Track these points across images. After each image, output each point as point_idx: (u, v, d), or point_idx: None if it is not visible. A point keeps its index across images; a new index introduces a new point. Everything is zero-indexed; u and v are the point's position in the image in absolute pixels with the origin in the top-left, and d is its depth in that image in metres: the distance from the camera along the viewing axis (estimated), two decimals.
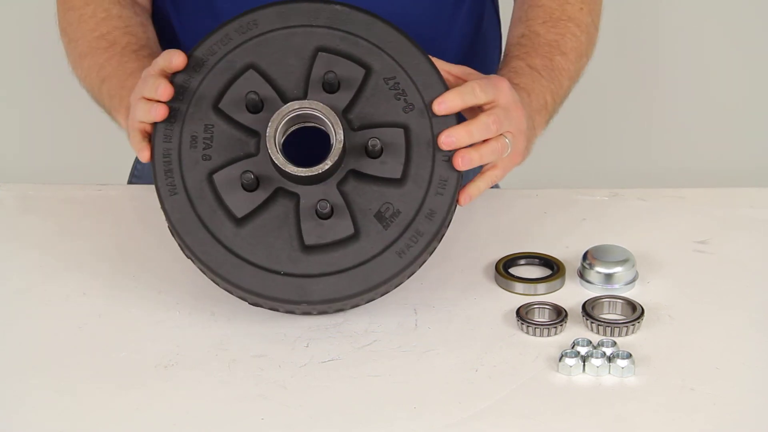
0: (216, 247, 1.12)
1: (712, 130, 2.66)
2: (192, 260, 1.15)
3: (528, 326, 1.14)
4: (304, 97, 1.14)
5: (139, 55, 1.29)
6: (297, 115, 1.12)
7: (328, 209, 1.11)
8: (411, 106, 1.14)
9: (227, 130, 1.14)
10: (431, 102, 1.13)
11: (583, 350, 1.09)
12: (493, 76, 1.18)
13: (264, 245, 1.12)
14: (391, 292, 1.17)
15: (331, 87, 1.14)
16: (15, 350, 1.14)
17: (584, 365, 1.08)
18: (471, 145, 1.13)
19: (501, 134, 1.15)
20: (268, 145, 1.11)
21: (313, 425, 1.03)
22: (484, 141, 1.14)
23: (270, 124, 1.11)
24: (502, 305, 1.19)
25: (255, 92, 1.12)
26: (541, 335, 1.13)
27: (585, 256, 1.22)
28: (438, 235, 1.13)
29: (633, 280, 1.22)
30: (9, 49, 2.61)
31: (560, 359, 1.08)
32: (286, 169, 1.11)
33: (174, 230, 1.14)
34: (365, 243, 1.12)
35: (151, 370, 1.10)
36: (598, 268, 1.21)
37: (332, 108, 1.12)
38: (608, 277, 1.21)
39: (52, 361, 1.11)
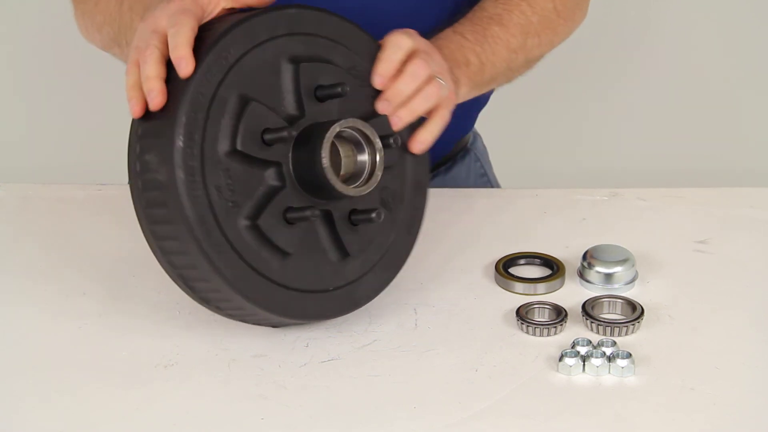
0: (274, 291, 1.09)
1: (711, 130, 2.66)
2: (241, 316, 1.11)
3: (528, 326, 1.14)
4: (302, 113, 1.11)
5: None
6: (341, 136, 1.11)
7: (361, 216, 1.12)
8: (376, 91, 1.15)
9: (244, 170, 1.08)
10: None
11: (583, 350, 1.09)
12: (398, 31, 1.17)
13: (310, 269, 1.11)
14: (391, 292, 1.17)
15: (324, 98, 1.12)
16: (15, 350, 1.14)
17: (584, 365, 1.08)
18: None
19: (432, 77, 1.15)
20: (328, 176, 1.08)
21: (313, 425, 1.03)
22: (417, 91, 1.15)
23: (323, 153, 1.08)
24: (502, 305, 1.19)
25: (268, 127, 1.08)
26: (541, 335, 1.13)
27: (585, 256, 1.22)
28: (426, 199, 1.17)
29: (633, 280, 1.22)
30: (9, 49, 2.61)
31: (560, 359, 1.08)
32: (347, 193, 1.10)
33: (234, 288, 1.07)
34: (384, 232, 1.15)
35: (151, 370, 1.10)
36: (598, 268, 1.21)
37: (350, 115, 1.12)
38: (608, 277, 1.21)
39: (51, 361, 1.11)
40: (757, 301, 1.20)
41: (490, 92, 1.54)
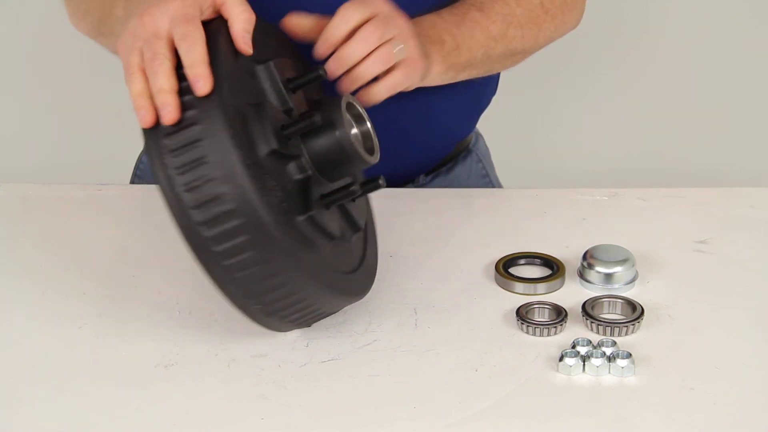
0: (340, 277, 1.10)
1: (712, 130, 2.66)
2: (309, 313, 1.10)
3: (528, 326, 1.14)
4: (290, 106, 1.10)
5: None
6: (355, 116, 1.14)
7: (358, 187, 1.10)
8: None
9: (279, 168, 1.06)
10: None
11: (583, 350, 1.09)
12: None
13: (344, 248, 1.12)
14: (391, 292, 1.17)
15: (302, 85, 1.12)
16: (15, 350, 1.14)
17: (584, 365, 1.08)
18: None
19: (386, 42, 1.14)
20: (356, 146, 1.08)
21: (313, 425, 1.03)
22: (368, 55, 1.13)
23: (345, 125, 1.08)
24: (502, 305, 1.19)
25: (284, 124, 1.08)
26: (541, 335, 1.13)
27: (585, 256, 1.22)
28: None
29: (633, 280, 1.22)
30: (9, 48, 2.61)
31: (560, 359, 1.08)
32: (369, 161, 1.11)
33: (322, 286, 1.06)
34: (362, 200, 1.20)
35: (151, 370, 1.10)
36: (598, 268, 1.21)
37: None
38: (608, 277, 1.21)
39: (51, 361, 1.11)
40: (757, 301, 1.20)
41: (491, 94, 1.53)
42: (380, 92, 1.17)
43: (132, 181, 1.59)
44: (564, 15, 1.41)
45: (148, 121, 1.01)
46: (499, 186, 1.61)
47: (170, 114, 1.00)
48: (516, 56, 1.38)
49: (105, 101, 2.55)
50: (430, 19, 1.28)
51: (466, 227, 1.33)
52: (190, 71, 1.01)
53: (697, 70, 2.62)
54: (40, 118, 2.68)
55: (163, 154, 1.01)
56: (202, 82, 1.00)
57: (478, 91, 1.48)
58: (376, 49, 1.14)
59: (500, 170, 1.64)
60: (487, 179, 1.58)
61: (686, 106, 2.64)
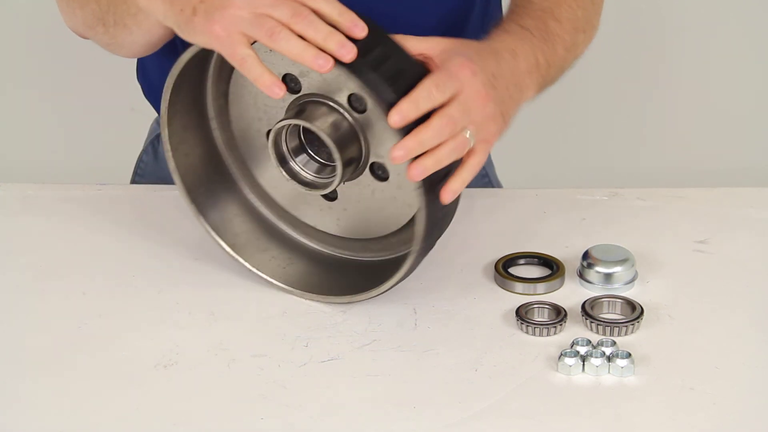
0: None
1: (711, 130, 2.66)
2: None
3: (528, 326, 1.14)
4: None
5: None
6: None
7: None
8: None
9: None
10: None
11: (582, 350, 1.09)
12: (452, 63, 1.10)
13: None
14: (391, 292, 1.17)
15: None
16: (14, 350, 1.14)
17: (584, 365, 1.08)
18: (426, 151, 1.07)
19: (458, 132, 1.08)
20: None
21: (312, 425, 1.03)
22: (441, 143, 1.07)
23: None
24: (502, 305, 1.18)
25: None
26: (541, 335, 1.13)
27: (584, 256, 1.22)
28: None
29: (632, 280, 1.22)
30: (9, 48, 2.61)
31: (560, 359, 1.08)
32: None
33: None
34: None
35: (151, 369, 1.10)
36: (598, 268, 1.21)
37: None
38: (608, 277, 1.21)
39: (51, 361, 1.11)
40: (757, 301, 1.20)
41: None
42: (462, 182, 1.10)
43: (132, 181, 1.58)
44: (599, 6, 1.36)
45: (330, 64, 1.03)
46: (499, 186, 1.61)
47: (351, 51, 1.03)
48: (575, 62, 1.32)
49: (105, 101, 2.56)
50: (527, 39, 1.21)
51: (466, 227, 1.33)
52: (341, 18, 1.05)
53: (697, 69, 2.61)
54: (40, 118, 2.68)
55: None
56: (360, 25, 1.04)
57: None
58: (448, 141, 1.07)
59: (500, 170, 1.64)
60: (486, 179, 1.58)
61: (686, 106, 2.64)
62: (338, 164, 1.11)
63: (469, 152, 1.10)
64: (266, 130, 1.19)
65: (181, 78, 1.15)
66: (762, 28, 2.59)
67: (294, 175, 1.16)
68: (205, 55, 1.12)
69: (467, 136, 1.09)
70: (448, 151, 1.07)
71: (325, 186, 1.15)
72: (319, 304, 1.19)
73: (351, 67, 1.04)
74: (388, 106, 1.05)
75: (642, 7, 2.57)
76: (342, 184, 1.15)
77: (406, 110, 1.05)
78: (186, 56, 1.12)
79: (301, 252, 1.25)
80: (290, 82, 1.14)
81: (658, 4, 2.58)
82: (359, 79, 1.04)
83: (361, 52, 1.05)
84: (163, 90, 1.16)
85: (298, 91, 1.14)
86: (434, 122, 1.06)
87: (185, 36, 1.10)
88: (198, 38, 1.09)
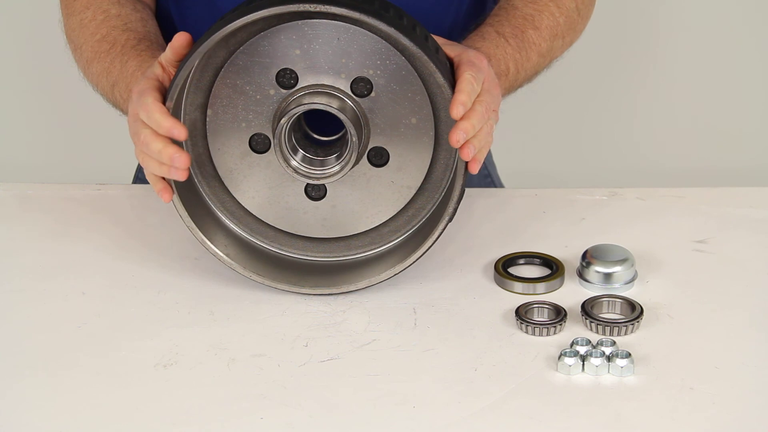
0: None
1: (711, 130, 2.66)
2: None
3: (527, 326, 1.14)
4: None
5: (138, 49, 1.29)
6: None
7: None
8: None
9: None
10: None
11: (582, 350, 1.09)
12: (473, 56, 1.18)
13: None
14: (390, 292, 1.17)
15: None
16: (14, 350, 1.14)
17: (583, 364, 1.08)
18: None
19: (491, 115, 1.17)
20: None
21: (312, 425, 1.03)
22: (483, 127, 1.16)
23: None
24: (502, 305, 1.19)
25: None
26: (541, 335, 1.14)
27: (584, 256, 1.22)
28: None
29: (632, 280, 1.22)
30: (9, 48, 2.61)
31: (559, 358, 1.08)
32: None
33: None
34: None
35: (151, 369, 1.10)
36: (598, 268, 1.21)
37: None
38: (607, 277, 1.21)
39: (51, 361, 1.11)
40: (756, 301, 1.20)
41: None
42: (479, 164, 1.18)
43: (134, 181, 1.59)
44: (589, 13, 1.41)
45: (168, 195, 1.17)
46: (501, 186, 1.61)
47: (181, 161, 1.13)
48: (551, 63, 1.39)
49: (106, 101, 2.55)
50: (501, 46, 1.29)
51: (466, 227, 1.33)
52: (157, 128, 1.13)
53: (697, 69, 2.61)
54: (40, 118, 2.68)
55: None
56: (176, 131, 1.12)
57: None
58: (487, 121, 1.16)
59: (499, 170, 1.64)
60: (489, 179, 1.58)
61: (686, 106, 2.64)
62: (353, 143, 1.14)
63: None
64: (252, 134, 1.19)
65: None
66: (762, 29, 2.59)
67: (302, 171, 1.17)
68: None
69: (493, 121, 1.18)
70: (485, 133, 1.16)
71: (329, 176, 1.17)
72: (319, 304, 1.19)
73: (422, 48, 1.11)
74: (452, 86, 1.14)
75: (643, 7, 2.57)
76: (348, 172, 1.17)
77: (465, 102, 1.13)
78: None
79: (287, 263, 1.25)
80: (284, 77, 1.15)
81: (658, 5, 2.58)
82: (431, 60, 1.11)
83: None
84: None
85: (292, 86, 1.15)
86: (478, 109, 1.15)
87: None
88: None
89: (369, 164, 1.19)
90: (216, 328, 1.16)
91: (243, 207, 1.23)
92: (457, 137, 1.12)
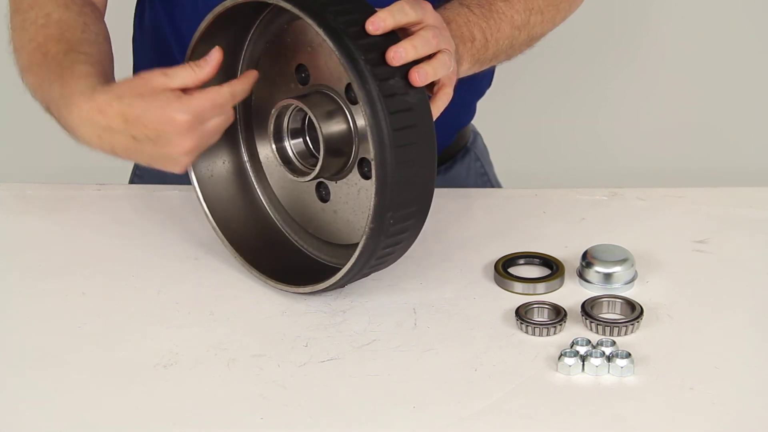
0: None
1: (711, 130, 2.66)
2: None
3: (527, 326, 1.14)
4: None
5: (63, 66, 1.25)
6: None
7: None
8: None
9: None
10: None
11: (582, 350, 1.09)
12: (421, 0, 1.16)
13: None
14: (390, 292, 1.17)
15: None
16: (14, 350, 1.14)
17: (583, 365, 1.08)
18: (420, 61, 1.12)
19: (441, 50, 1.13)
20: None
21: (312, 425, 1.03)
22: (431, 56, 1.12)
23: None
24: (502, 305, 1.19)
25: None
26: (541, 335, 1.14)
27: (584, 256, 1.22)
28: None
29: (632, 280, 1.22)
30: (9, 48, 2.61)
31: (559, 359, 1.08)
32: None
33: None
34: None
35: (151, 369, 1.10)
36: (598, 268, 1.21)
37: None
38: (607, 277, 1.21)
39: (51, 361, 1.11)
40: (756, 301, 1.20)
41: (490, 82, 1.53)
42: (438, 110, 1.15)
43: (131, 181, 1.59)
44: None
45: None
46: (498, 185, 1.61)
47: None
48: (534, 41, 1.37)
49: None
50: (463, 14, 1.27)
51: (466, 227, 1.33)
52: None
53: (697, 69, 2.61)
54: (40, 118, 2.67)
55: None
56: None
57: (477, 76, 1.48)
58: (437, 54, 1.12)
59: (499, 170, 1.64)
60: (485, 178, 1.58)
61: (686, 106, 2.64)
62: (321, 142, 1.13)
63: (440, 84, 1.16)
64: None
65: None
66: (762, 28, 2.59)
67: (282, 153, 1.18)
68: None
69: (449, 57, 1.14)
70: (440, 63, 1.12)
71: (305, 173, 1.17)
72: (319, 304, 1.19)
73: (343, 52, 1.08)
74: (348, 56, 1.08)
75: (645, 7, 2.57)
76: (334, 183, 1.17)
77: (382, 17, 1.09)
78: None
79: (296, 254, 1.26)
80: (302, 72, 1.18)
81: (660, 5, 2.58)
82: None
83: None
84: None
85: (307, 82, 1.18)
86: (422, 33, 1.12)
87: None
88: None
89: (359, 175, 1.17)
90: (216, 328, 1.16)
91: (278, 197, 1.27)
92: (393, 53, 1.08)
